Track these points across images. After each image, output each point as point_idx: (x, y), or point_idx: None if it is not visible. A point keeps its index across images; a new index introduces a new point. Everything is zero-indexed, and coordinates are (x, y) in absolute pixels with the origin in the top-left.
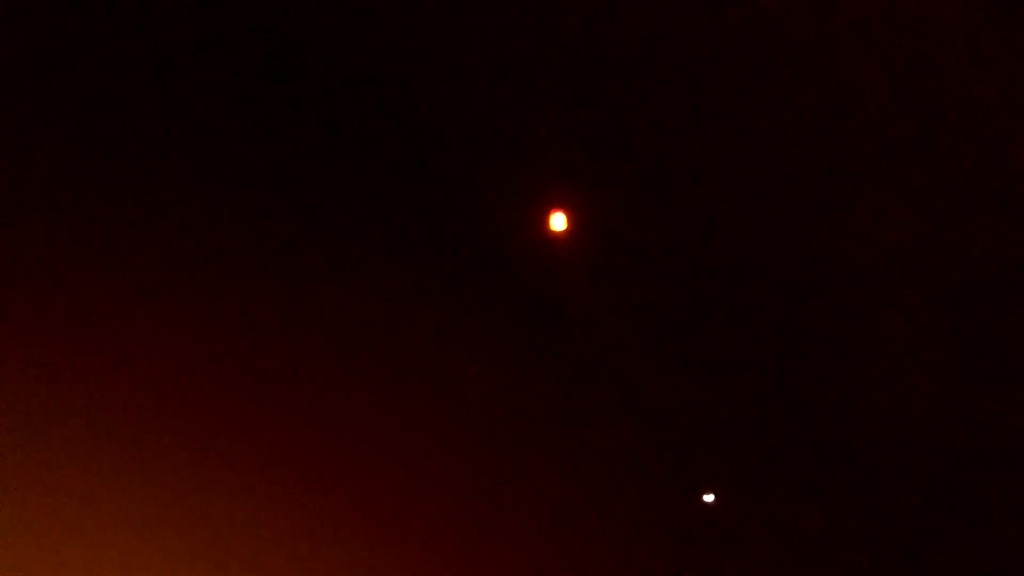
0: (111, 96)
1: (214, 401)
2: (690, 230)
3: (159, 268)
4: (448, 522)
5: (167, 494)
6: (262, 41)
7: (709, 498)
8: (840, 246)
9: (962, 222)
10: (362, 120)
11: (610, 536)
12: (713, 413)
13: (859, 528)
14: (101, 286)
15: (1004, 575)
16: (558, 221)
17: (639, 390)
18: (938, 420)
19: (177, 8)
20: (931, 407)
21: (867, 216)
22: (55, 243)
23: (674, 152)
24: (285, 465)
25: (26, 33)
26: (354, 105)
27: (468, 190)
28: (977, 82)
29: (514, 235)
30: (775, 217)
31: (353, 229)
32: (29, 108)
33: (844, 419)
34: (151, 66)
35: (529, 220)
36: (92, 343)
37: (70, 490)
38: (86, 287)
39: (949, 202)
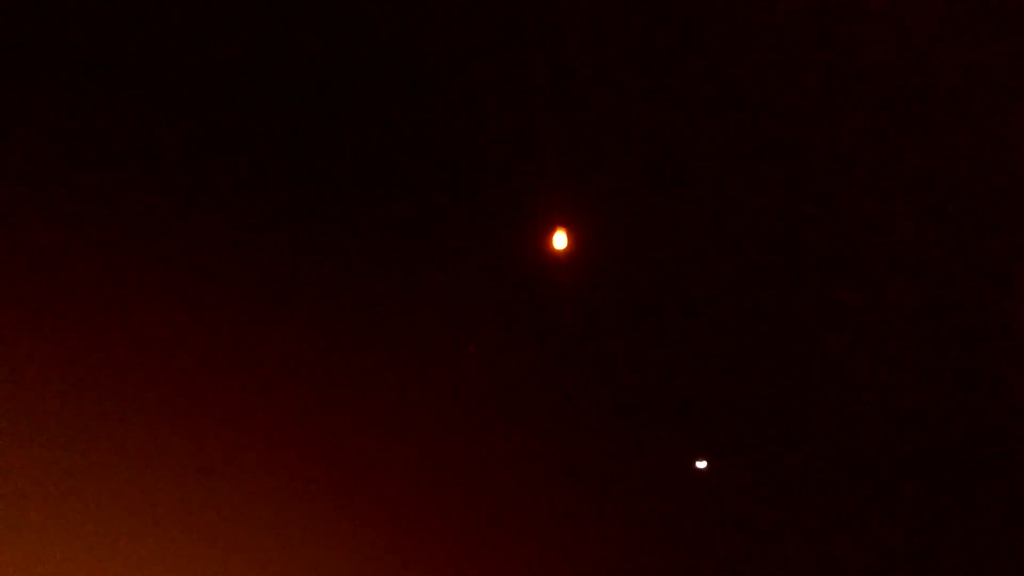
0: (111, 94)
1: (220, 396)
2: (688, 246)
3: (164, 266)
4: (453, 493)
5: (169, 493)
6: (271, 52)
7: (702, 464)
8: (832, 248)
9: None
10: (367, 139)
11: (609, 500)
12: (705, 393)
13: (845, 491)
14: (101, 284)
15: (992, 538)
16: (559, 239)
17: (637, 379)
18: (923, 392)
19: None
20: (917, 379)
21: (860, 215)
22: (54, 243)
23: (674, 171)
24: (288, 463)
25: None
26: (359, 123)
27: (471, 209)
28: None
29: (516, 253)
30: (771, 230)
31: (360, 245)
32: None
33: (829, 395)
34: (156, 64)
35: (531, 238)
36: (91, 342)
37: (69, 490)
38: (85, 285)
39: (940, 196)
